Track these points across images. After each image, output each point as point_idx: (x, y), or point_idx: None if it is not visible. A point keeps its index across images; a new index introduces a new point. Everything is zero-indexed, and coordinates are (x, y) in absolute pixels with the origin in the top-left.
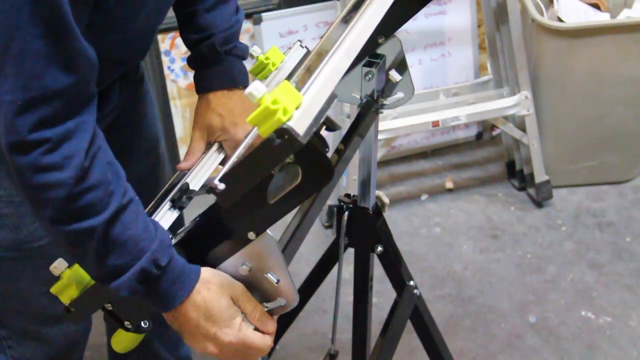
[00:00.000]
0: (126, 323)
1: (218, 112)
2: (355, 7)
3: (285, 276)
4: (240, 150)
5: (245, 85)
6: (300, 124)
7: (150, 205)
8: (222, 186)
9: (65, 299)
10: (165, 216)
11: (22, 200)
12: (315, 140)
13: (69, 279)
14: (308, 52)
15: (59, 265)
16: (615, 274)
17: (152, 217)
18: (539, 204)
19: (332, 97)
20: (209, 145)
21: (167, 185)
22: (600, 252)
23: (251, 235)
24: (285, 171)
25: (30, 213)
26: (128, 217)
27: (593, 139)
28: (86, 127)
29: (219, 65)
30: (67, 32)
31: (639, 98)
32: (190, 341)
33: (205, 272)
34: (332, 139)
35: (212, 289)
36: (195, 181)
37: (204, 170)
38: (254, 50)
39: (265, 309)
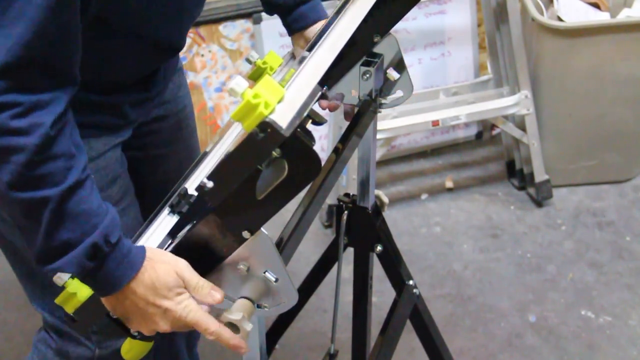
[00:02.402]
0: (132, 330)
1: None
2: (344, 4)
3: (283, 274)
4: (228, 147)
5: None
6: (283, 117)
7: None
8: (210, 184)
9: (70, 308)
10: (165, 221)
11: None
12: (301, 134)
13: (73, 288)
14: None
15: (62, 275)
16: (615, 273)
17: (152, 223)
18: (539, 203)
19: (316, 90)
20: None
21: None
22: (600, 251)
23: (246, 234)
24: (273, 166)
25: None
26: (84, 191)
27: (593, 138)
28: (59, 102)
29: (310, 2)
30: (67, 3)
31: (639, 98)
32: (138, 324)
33: (149, 250)
34: (331, 139)
35: (157, 267)
36: (194, 186)
37: (204, 174)
38: (252, 55)
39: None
